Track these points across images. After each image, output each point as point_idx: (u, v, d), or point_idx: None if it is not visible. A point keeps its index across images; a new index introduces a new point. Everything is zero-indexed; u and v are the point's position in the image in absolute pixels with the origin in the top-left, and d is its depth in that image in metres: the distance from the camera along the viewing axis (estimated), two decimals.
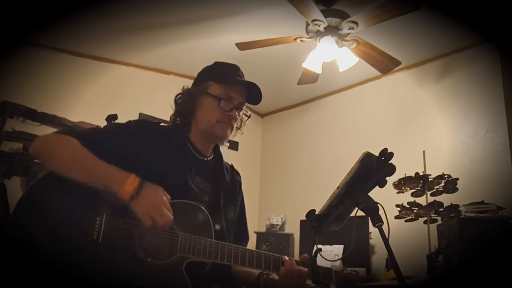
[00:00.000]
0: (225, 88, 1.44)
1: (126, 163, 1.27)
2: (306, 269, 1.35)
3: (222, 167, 1.52)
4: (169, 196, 1.21)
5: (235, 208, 1.52)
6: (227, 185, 1.50)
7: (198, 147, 1.46)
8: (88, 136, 1.29)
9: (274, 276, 1.36)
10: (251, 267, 1.30)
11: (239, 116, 1.48)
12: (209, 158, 1.49)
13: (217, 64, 1.54)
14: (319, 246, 1.32)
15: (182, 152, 1.41)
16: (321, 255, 1.35)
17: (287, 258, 1.35)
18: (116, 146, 1.30)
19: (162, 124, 1.49)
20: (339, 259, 1.43)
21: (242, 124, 1.53)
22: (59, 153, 1.23)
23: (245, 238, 1.58)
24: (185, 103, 1.47)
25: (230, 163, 1.61)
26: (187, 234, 1.23)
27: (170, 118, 1.51)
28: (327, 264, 1.48)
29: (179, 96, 1.50)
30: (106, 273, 1.13)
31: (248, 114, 1.52)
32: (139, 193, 1.16)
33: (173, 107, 1.50)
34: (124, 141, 1.32)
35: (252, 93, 1.48)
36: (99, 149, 1.26)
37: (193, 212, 1.28)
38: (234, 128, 1.48)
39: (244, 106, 1.50)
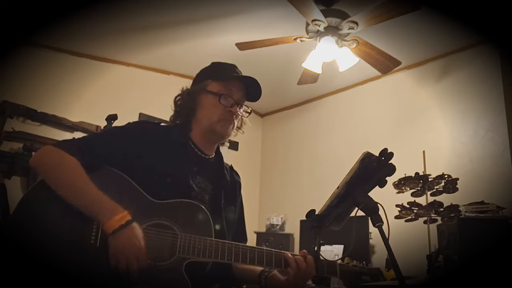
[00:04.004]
0: (224, 84, 1.44)
1: (128, 164, 1.27)
2: (313, 263, 1.33)
3: (223, 167, 1.52)
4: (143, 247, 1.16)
5: (234, 209, 1.52)
6: (227, 185, 1.50)
7: (199, 146, 1.46)
8: (88, 146, 1.29)
9: (276, 273, 1.35)
10: (252, 264, 1.29)
11: (240, 113, 1.48)
12: (211, 157, 1.49)
13: (214, 64, 1.55)
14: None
15: (184, 151, 1.41)
16: (320, 254, 1.35)
17: (290, 255, 1.32)
18: (117, 149, 1.30)
19: (162, 124, 1.49)
20: (339, 259, 1.42)
21: (243, 123, 1.53)
22: (56, 174, 1.22)
23: (244, 239, 1.57)
24: (185, 103, 1.47)
25: (229, 164, 1.61)
26: (186, 234, 1.22)
27: (170, 119, 1.51)
28: None
29: (178, 97, 1.50)
30: (105, 277, 1.13)
31: (249, 110, 1.52)
32: (120, 231, 1.13)
33: (173, 108, 1.50)
34: (124, 143, 1.32)
35: (251, 90, 1.48)
36: (100, 155, 1.27)
37: (193, 212, 1.27)
38: (235, 126, 1.48)
39: (244, 103, 1.50)
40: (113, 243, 1.13)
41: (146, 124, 1.47)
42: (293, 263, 1.30)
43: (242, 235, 1.57)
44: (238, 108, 1.46)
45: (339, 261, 1.42)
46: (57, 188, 1.19)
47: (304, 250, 1.38)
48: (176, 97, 1.50)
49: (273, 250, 1.33)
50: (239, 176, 1.61)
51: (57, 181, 1.21)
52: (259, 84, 1.46)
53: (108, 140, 1.35)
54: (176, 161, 1.36)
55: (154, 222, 1.23)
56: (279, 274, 1.35)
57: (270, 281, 1.37)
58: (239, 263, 1.29)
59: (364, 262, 1.47)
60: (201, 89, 1.45)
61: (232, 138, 1.52)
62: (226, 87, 1.44)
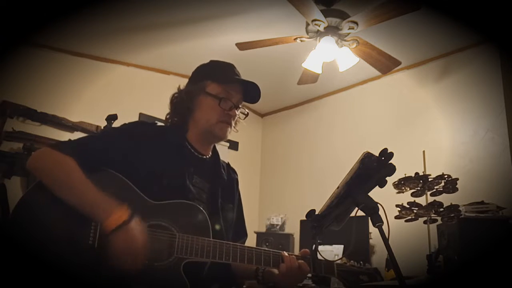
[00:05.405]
0: (224, 87, 1.44)
1: (125, 166, 1.27)
2: (306, 264, 1.35)
3: (219, 165, 1.52)
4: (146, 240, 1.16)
5: (233, 206, 1.52)
6: (224, 183, 1.50)
7: (196, 146, 1.46)
8: (84, 147, 1.29)
9: (273, 269, 1.36)
10: (250, 264, 1.31)
11: (237, 115, 1.48)
12: (207, 157, 1.49)
13: (213, 63, 1.54)
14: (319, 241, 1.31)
15: (180, 152, 1.41)
16: (320, 254, 1.35)
17: (286, 253, 1.35)
18: (113, 150, 1.29)
19: (158, 124, 1.49)
20: (339, 259, 1.42)
21: (237, 123, 1.53)
22: (52, 176, 1.22)
23: (244, 235, 1.59)
24: (183, 102, 1.46)
25: (226, 161, 1.61)
26: (184, 235, 1.22)
27: (166, 118, 1.51)
28: None
29: (175, 95, 1.49)
30: (103, 277, 1.13)
31: (246, 112, 1.53)
32: (121, 229, 1.12)
33: (169, 107, 1.50)
34: (121, 144, 1.32)
35: (251, 92, 1.48)
36: (97, 156, 1.26)
37: (191, 212, 1.27)
38: (232, 127, 1.48)
39: (242, 104, 1.50)
40: (111, 244, 1.12)
41: (142, 124, 1.47)
42: (288, 261, 1.33)
43: (241, 231, 1.58)
44: (236, 111, 1.46)
45: (338, 261, 1.43)
46: (54, 190, 1.19)
47: (306, 249, 1.39)
48: (173, 96, 1.50)
49: (270, 250, 1.35)
50: (236, 173, 1.62)
51: (54, 182, 1.21)
52: (259, 88, 1.46)
53: (105, 141, 1.35)
54: (173, 162, 1.36)
55: (152, 223, 1.23)
56: (274, 269, 1.36)
57: (266, 275, 1.39)
58: (237, 263, 1.29)
59: (361, 262, 1.48)
60: (199, 90, 1.45)
61: (231, 138, 1.53)
62: (225, 90, 1.43)
